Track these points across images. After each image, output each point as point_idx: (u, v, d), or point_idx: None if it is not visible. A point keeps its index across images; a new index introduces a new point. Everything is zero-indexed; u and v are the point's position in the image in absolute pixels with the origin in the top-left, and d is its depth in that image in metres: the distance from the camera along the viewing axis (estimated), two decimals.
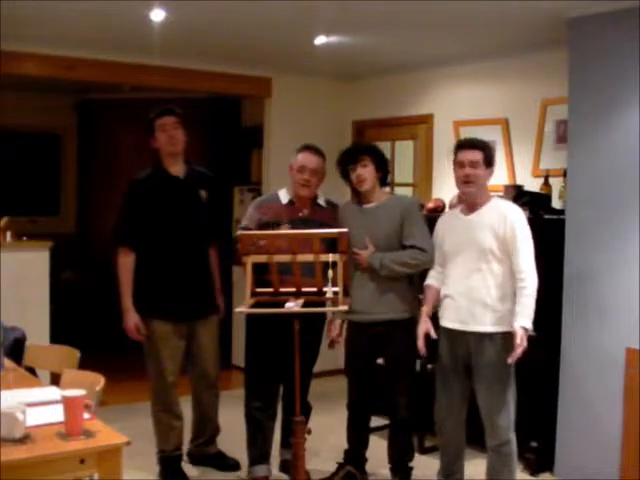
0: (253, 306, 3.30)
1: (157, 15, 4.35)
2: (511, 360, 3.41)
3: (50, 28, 4.75)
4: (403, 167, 6.17)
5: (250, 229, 3.85)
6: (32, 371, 3.65)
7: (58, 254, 5.68)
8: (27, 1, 4.06)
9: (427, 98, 5.93)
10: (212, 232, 4.20)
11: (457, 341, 3.61)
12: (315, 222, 3.80)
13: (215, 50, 5.48)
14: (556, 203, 4.66)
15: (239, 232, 3.65)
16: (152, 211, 3.97)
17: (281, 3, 4.07)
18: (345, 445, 4.11)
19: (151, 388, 4.12)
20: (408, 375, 3.90)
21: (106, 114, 7.57)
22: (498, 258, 3.52)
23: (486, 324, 3.52)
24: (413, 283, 3.89)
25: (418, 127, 6.04)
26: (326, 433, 4.24)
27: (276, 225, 3.80)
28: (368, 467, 4.14)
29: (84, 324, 6.79)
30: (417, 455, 4.37)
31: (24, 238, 5.56)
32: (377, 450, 4.14)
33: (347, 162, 3.90)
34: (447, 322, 3.64)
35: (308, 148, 3.99)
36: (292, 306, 3.18)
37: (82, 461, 2.41)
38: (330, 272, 3.20)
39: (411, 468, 4.03)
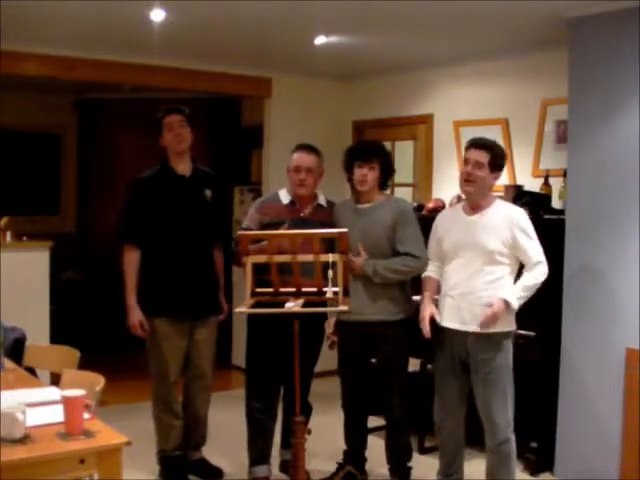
0: (253, 306, 3.30)
1: (157, 15, 4.35)
2: (480, 327, 3.44)
3: (50, 28, 4.75)
4: (403, 167, 6.16)
5: (251, 230, 3.86)
6: (32, 371, 3.65)
7: (58, 254, 5.67)
8: (27, 1, 4.06)
9: (427, 98, 5.93)
10: (217, 233, 4.20)
11: (456, 341, 3.61)
12: (316, 222, 3.80)
13: (215, 50, 5.48)
14: (556, 203, 4.66)
15: (239, 232, 3.65)
16: (157, 209, 3.98)
17: (281, 3, 4.07)
18: (345, 445, 4.12)
19: (152, 387, 4.12)
20: (401, 375, 3.91)
21: (106, 114, 7.57)
22: (501, 260, 3.51)
23: None
24: (406, 284, 3.88)
25: (418, 127, 6.04)
26: (326, 433, 4.23)
27: (277, 225, 3.80)
28: (368, 467, 4.14)
29: (84, 324, 6.79)
30: (417, 455, 4.38)
31: (24, 238, 5.55)
32: (377, 450, 4.14)
33: (355, 158, 3.88)
34: (446, 322, 3.63)
35: (302, 147, 4.00)
36: (292, 306, 3.18)
37: (82, 461, 2.41)
38: (330, 272, 3.19)
39: (410, 468, 4.03)
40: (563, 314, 4.22)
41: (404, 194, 6.08)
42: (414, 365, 4.53)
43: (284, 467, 4.23)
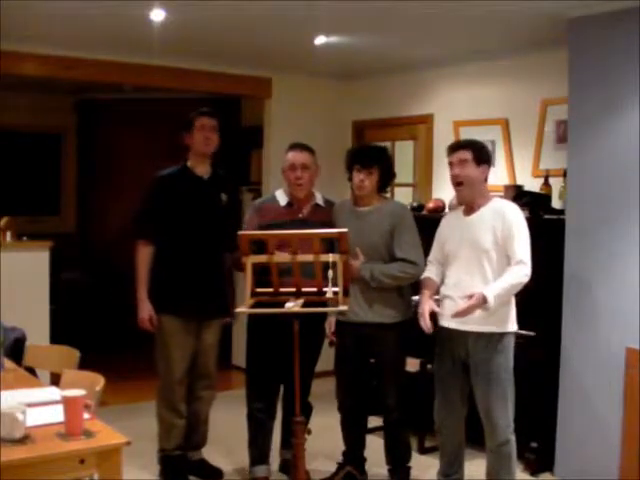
0: (253, 306, 3.30)
1: (157, 15, 4.35)
2: (455, 315, 3.40)
3: (50, 28, 4.75)
4: (403, 167, 6.16)
5: None
6: (32, 371, 3.65)
7: (58, 254, 5.68)
8: (27, 1, 4.06)
9: (427, 98, 5.93)
10: (229, 237, 4.17)
11: (455, 341, 3.61)
12: (315, 222, 3.80)
13: (215, 50, 5.48)
14: (556, 203, 4.66)
15: (239, 232, 3.65)
16: (174, 207, 4.01)
17: (281, 3, 4.07)
18: (344, 446, 4.12)
19: (158, 385, 4.13)
20: (398, 376, 3.90)
21: (106, 114, 7.57)
22: (497, 258, 3.51)
23: (484, 324, 3.50)
24: (405, 287, 3.87)
25: (418, 127, 6.04)
26: (326, 433, 4.23)
27: (276, 227, 3.79)
28: (368, 467, 4.14)
29: (84, 324, 6.79)
30: (417, 455, 4.38)
31: (24, 238, 5.56)
32: (376, 450, 4.14)
33: (355, 162, 3.87)
34: (447, 322, 3.63)
35: (295, 146, 4.02)
36: (292, 306, 3.18)
37: (82, 461, 2.40)
38: (330, 272, 3.19)
39: (409, 468, 4.03)
40: (563, 314, 4.21)
41: (404, 194, 6.08)
42: (414, 365, 4.53)
43: (284, 467, 4.23)
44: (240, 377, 5.34)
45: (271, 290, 3.38)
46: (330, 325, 3.98)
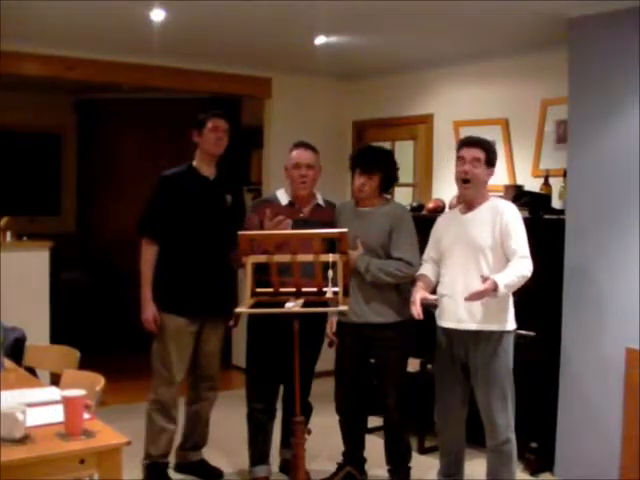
0: (253, 306, 3.30)
1: (157, 15, 4.36)
2: (468, 297, 3.36)
3: (50, 28, 4.75)
4: (403, 167, 6.15)
5: None
6: (32, 371, 3.65)
7: (58, 254, 5.68)
8: (27, 1, 4.06)
9: (427, 98, 5.93)
10: (232, 238, 4.16)
11: (455, 340, 3.60)
12: (316, 222, 3.80)
13: (215, 50, 5.48)
14: (556, 203, 4.66)
15: (239, 232, 3.65)
16: (180, 207, 3.99)
17: (281, 3, 4.07)
18: (343, 446, 4.12)
19: (152, 386, 4.07)
20: (398, 377, 3.90)
21: (106, 114, 7.57)
22: (493, 256, 3.50)
23: (483, 322, 3.51)
24: (404, 286, 3.86)
25: (418, 127, 6.04)
26: (326, 433, 4.23)
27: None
28: (368, 467, 4.14)
29: (84, 324, 6.79)
30: (417, 455, 4.38)
31: (24, 238, 5.56)
32: (376, 450, 4.14)
33: (357, 165, 3.88)
34: (445, 322, 3.63)
35: (300, 145, 4.02)
36: (292, 306, 3.18)
37: (82, 461, 2.40)
38: (330, 272, 3.19)
39: (409, 468, 4.03)
40: (563, 314, 4.21)
41: (404, 194, 6.08)
42: (414, 365, 4.53)
43: (284, 467, 4.23)
44: (240, 377, 5.34)
45: (271, 290, 3.37)
46: (331, 325, 3.98)
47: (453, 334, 3.60)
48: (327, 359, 4.18)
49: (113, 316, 7.14)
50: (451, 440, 3.78)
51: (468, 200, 3.64)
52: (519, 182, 5.07)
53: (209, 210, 4.06)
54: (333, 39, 4.96)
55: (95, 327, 6.94)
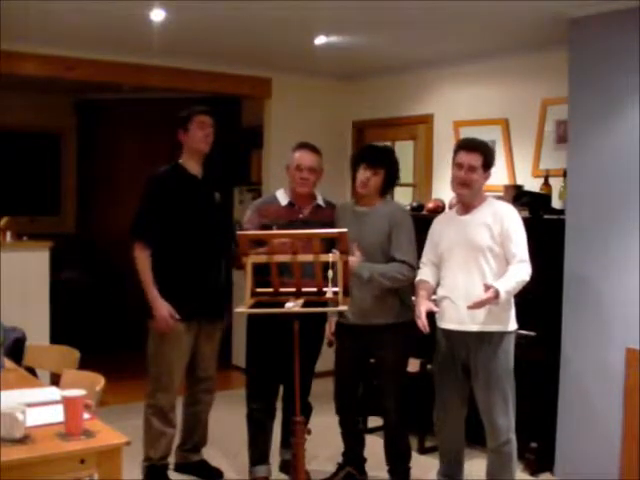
0: (253, 306, 3.30)
1: (157, 15, 4.36)
2: (471, 305, 3.36)
3: (50, 28, 4.75)
4: (403, 167, 6.14)
5: None
6: (32, 371, 3.65)
7: (58, 254, 5.68)
8: (27, 1, 4.06)
9: (427, 98, 5.93)
10: (226, 236, 4.12)
11: (456, 342, 3.60)
12: (316, 223, 3.79)
13: (215, 50, 5.48)
14: (556, 203, 4.66)
15: (238, 232, 3.65)
16: (171, 207, 3.93)
17: (281, 3, 4.07)
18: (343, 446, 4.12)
19: (149, 389, 4.03)
20: (398, 378, 3.89)
21: (106, 114, 7.57)
22: (494, 256, 3.50)
23: (484, 323, 3.50)
24: (401, 287, 3.86)
25: (418, 127, 6.04)
26: (326, 433, 4.23)
27: (277, 227, 3.79)
28: (368, 467, 4.14)
29: (84, 324, 6.80)
30: (417, 455, 4.38)
31: (24, 238, 5.55)
32: (376, 450, 4.14)
33: (362, 160, 3.86)
34: (445, 323, 3.62)
35: (304, 146, 3.99)
36: (292, 306, 3.18)
37: (82, 461, 2.40)
38: (330, 272, 3.19)
39: (409, 468, 4.02)
40: (563, 314, 4.21)
41: (404, 194, 6.08)
42: (414, 365, 4.53)
43: (284, 467, 4.23)
44: (240, 377, 5.35)
45: (271, 290, 3.37)
46: (331, 326, 3.98)
47: (454, 335, 3.59)
48: (327, 359, 4.18)
49: (113, 316, 7.15)
50: (451, 440, 3.78)
51: (465, 202, 3.64)
52: (519, 182, 5.07)
53: (201, 210, 4.01)
54: (333, 39, 4.96)
55: (95, 327, 6.94)
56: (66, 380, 3.12)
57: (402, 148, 6.20)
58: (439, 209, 5.27)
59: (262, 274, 3.45)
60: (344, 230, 3.33)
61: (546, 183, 4.80)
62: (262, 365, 3.99)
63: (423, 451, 4.65)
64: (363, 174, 3.82)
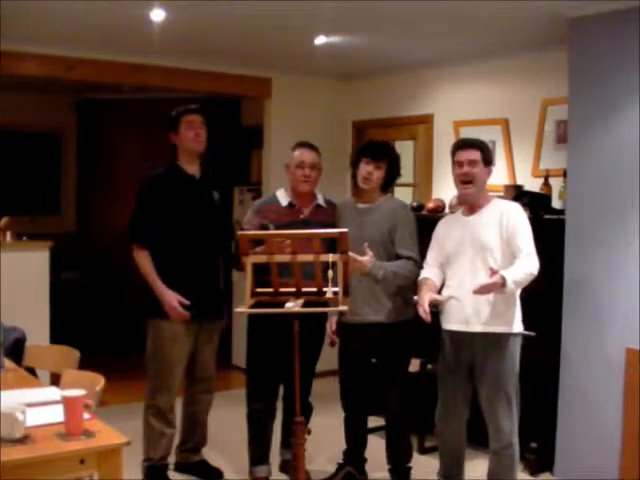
0: (253, 306, 3.30)
1: (157, 15, 4.36)
2: (477, 289, 3.30)
3: (50, 28, 4.75)
4: (403, 167, 6.15)
5: None
6: (32, 371, 3.65)
7: (58, 254, 5.67)
8: (27, 1, 4.06)
9: (427, 98, 5.93)
10: (225, 236, 4.12)
11: (462, 343, 3.58)
12: (316, 223, 3.78)
13: (215, 50, 5.48)
14: (556, 203, 4.66)
15: (238, 232, 3.65)
16: (167, 209, 3.92)
17: (281, 3, 4.07)
18: (345, 445, 4.11)
19: (148, 390, 4.03)
20: (401, 377, 3.90)
21: (106, 114, 7.57)
22: (501, 256, 3.49)
23: (490, 324, 3.49)
24: (406, 286, 3.86)
25: (418, 127, 6.04)
26: (326, 433, 4.23)
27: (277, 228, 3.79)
28: (368, 467, 4.14)
29: (84, 324, 6.80)
30: (417, 455, 4.37)
31: (24, 238, 5.55)
32: (377, 450, 4.14)
33: (364, 154, 3.86)
34: (452, 324, 3.60)
35: (304, 144, 4.00)
36: (292, 306, 3.18)
37: (82, 461, 2.41)
38: (330, 272, 3.19)
39: (410, 468, 4.03)
40: (563, 314, 4.21)
41: (404, 194, 6.08)
42: (414, 365, 4.52)
43: (284, 467, 4.23)
44: (240, 377, 5.35)
45: (271, 290, 3.37)
46: (331, 325, 3.98)
47: (459, 336, 3.57)
48: (327, 359, 4.18)
49: (113, 316, 7.15)
50: (452, 441, 3.77)
51: (471, 202, 3.62)
52: (519, 182, 5.07)
53: (199, 210, 3.99)
54: (333, 39, 4.96)
55: (95, 327, 6.94)
56: (66, 380, 3.12)
57: (402, 148, 6.19)
58: (439, 209, 5.27)
59: (262, 274, 3.45)
60: (344, 230, 3.33)
61: (546, 183, 4.80)
62: (262, 365, 3.99)
63: (423, 451, 4.64)
64: (365, 168, 3.82)
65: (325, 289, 3.23)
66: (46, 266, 5.38)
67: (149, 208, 3.94)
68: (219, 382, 4.49)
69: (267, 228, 3.79)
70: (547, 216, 4.47)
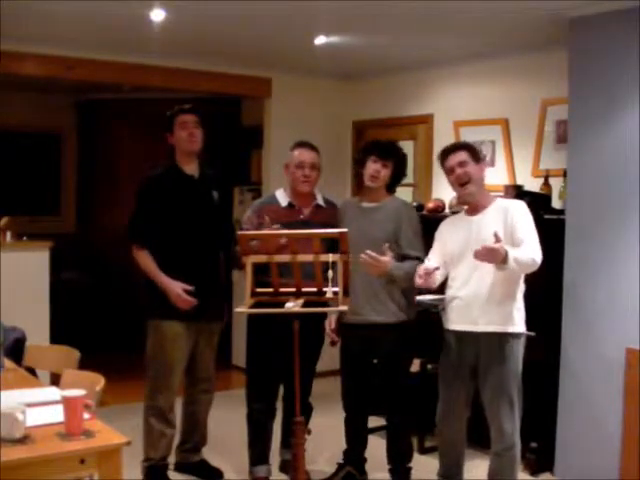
0: (253, 306, 3.30)
1: (157, 15, 4.36)
2: (475, 256, 3.26)
3: (50, 28, 4.75)
4: None
5: None
6: (32, 371, 3.65)
7: (58, 254, 5.67)
8: (27, 1, 4.06)
9: (427, 98, 5.93)
10: (223, 235, 4.11)
11: (466, 343, 3.56)
12: (316, 223, 3.77)
13: (215, 50, 5.48)
14: (556, 203, 4.66)
15: (238, 232, 3.65)
16: (167, 210, 3.91)
17: (281, 3, 4.07)
18: (345, 445, 4.11)
19: (148, 390, 4.03)
20: (402, 377, 3.89)
21: (106, 114, 7.57)
22: None
23: (496, 323, 3.48)
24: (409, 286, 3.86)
25: (418, 127, 6.04)
26: (326, 433, 4.24)
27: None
28: (368, 467, 4.14)
29: (84, 324, 6.80)
30: (417, 455, 4.37)
31: (24, 238, 5.55)
32: (377, 450, 4.14)
33: (371, 153, 3.84)
34: (456, 324, 3.59)
35: (303, 144, 3.99)
36: (292, 306, 3.18)
37: (82, 461, 2.40)
38: (330, 272, 3.19)
39: (410, 468, 4.03)
40: (563, 314, 4.21)
41: (404, 194, 6.06)
42: (414, 365, 4.52)
43: (284, 467, 4.23)
44: (240, 377, 5.35)
45: (271, 290, 3.37)
46: (330, 323, 3.96)
47: (463, 337, 3.56)
48: (327, 359, 4.18)
49: (113, 316, 7.15)
50: (452, 441, 3.76)
51: (473, 201, 3.60)
52: (519, 182, 5.07)
53: (198, 210, 3.99)
54: (333, 39, 4.96)
55: (95, 327, 6.94)
56: (66, 380, 3.12)
57: (402, 148, 6.19)
58: (439, 209, 5.28)
59: (262, 274, 3.45)
60: (344, 230, 3.33)
61: (546, 183, 4.80)
62: (262, 365, 3.99)
63: (423, 451, 4.64)
64: (373, 167, 3.81)
65: (325, 289, 3.23)
66: (46, 266, 5.38)
67: (148, 209, 3.94)
68: (219, 382, 4.49)
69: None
70: (547, 216, 4.47)
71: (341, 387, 4.05)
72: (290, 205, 3.96)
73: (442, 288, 3.74)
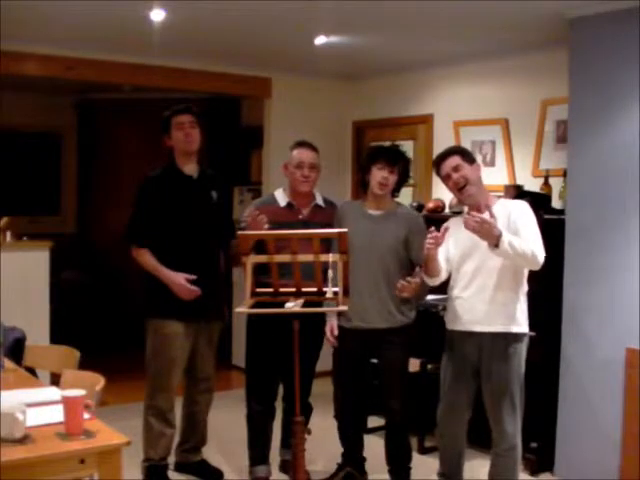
0: (253, 306, 3.30)
1: (157, 15, 4.35)
2: (466, 225, 3.23)
3: (50, 28, 4.75)
4: None
5: None
6: (32, 371, 3.65)
7: (58, 254, 5.67)
8: (27, 1, 4.06)
9: (427, 98, 5.93)
10: (224, 234, 4.11)
11: (468, 344, 3.55)
12: (316, 224, 3.77)
13: (215, 50, 5.48)
14: (556, 203, 4.66)
15: (239, 232, 3.64)
16: (166, 210, 3.91)
17: (281, 3, 4.07)
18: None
19: (147, 390, 4.03)
20: (402, 378, 3.88)
21: (106, 114, 7.58)
22: None
23: (500, 324, 3.47)
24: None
25: (418, 127, 6.04)
26: (326, 433, 4.23)
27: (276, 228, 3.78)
28: (368, 467, 4.14)
29: (84, 324, 6.80)
30: (417, 455, 4.38)
31: (24, 238, 5.55)
32: (377, 450, 4.14)
33: (378, 159, 3.79)
34: (459, 325, 3.57)
35: (303, 144, 3.98)
36: (292, 306, 3.18)
37: (82, 461, 2.40)
38: (330, 272, 3.19)
39: (410, 469, 4.02)
40: (563, 314, 4.22)
41: (404, 194, 6.05)
42: (414, 365, 4.52)
43: (284, 467, 4.23)
44: (240, 377, 5.34)
45: (271, 290, 3.37)
46: (332, 329, 3.88)
47: (466, 337, 3.55)
48: (327, 359, 4.17)
49: (113, 316, 7.15)
50: (452, 442, 3.75)
51: (474, 202, 3.58)
52: (519, 182, 5.07)
53: (196, 210, 3.99)
54: (333, 39, 4.96)
55: (95, 327, 6.94)
56: (66, 380, 3.12)
57: (402, 148, 6.19)
58: (439, 209, 5.28)
59: (262, 274, 3.45)
60: (344, 230, 3.32)
61: (546, 183, 4.80)
62: (262, 365, 3.99)
63: (423, 451, 4.64)
64: (381, 174, 3.75)
65: (325, 289, 3.23)
66: (46, 266, 5.38)
67: (147, 209, 3.94)
68: (219, 382, 4.49)
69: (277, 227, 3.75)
70: (547, 216, 4.46)
71: (334, 391, 4.01)
72: (289, 205, 3.95)
73: (442, 288, 3.74)
